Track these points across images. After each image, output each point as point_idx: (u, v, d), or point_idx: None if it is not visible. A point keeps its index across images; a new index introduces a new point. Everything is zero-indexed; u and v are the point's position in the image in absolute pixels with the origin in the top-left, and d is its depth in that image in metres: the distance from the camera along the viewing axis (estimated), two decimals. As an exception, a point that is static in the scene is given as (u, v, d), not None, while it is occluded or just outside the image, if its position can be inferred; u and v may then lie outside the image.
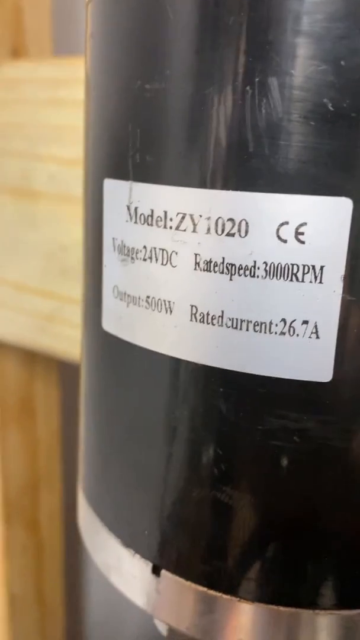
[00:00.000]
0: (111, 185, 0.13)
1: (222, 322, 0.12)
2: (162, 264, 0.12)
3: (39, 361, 0.36)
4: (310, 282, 0.11)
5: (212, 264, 0.11)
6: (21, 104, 0.28)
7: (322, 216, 0.11)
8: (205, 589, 0.13)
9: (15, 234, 0.30)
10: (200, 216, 0.11)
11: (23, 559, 0.38)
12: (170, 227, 0.12)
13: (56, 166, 0.28)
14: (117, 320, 0.13)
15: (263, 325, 0.11)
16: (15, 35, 0.32)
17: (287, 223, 0.11)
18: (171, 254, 0.12)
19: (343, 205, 0.10)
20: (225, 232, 0.11)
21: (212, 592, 0.13)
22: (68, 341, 0.29)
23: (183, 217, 0.12)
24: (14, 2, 0.31)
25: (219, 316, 0.12)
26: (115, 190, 0.13)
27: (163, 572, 0.14)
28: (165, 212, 0.12)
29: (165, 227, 0.12)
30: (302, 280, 0.11)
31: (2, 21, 0.30)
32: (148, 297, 0.12)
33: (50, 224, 0.29)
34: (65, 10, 0.35)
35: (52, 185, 0.28)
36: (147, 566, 0.14)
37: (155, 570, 0.14)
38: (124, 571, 0.15)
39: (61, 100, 0.27)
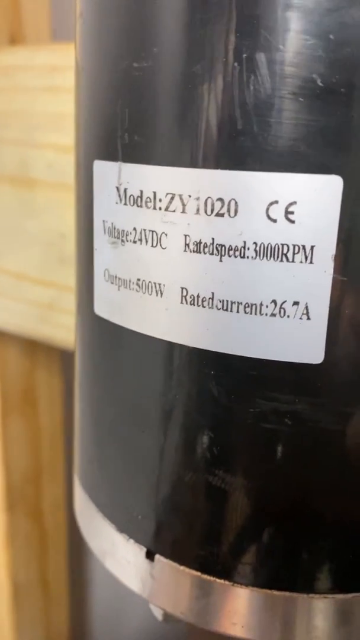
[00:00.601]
0: (101, 167, 0.13)
1: (212, 304, 0.11)
2: (152, 245, 0.12)
3: (40, 350, 0.36)
4: (301, 262, 0.11)
5: (201, 245, 0.11)
6: (18, 91, 0.28)
7: (312, 195, 0.10)
8: (199, 574, 0.13)
9: (14, 222, 0.30)
10: (190, 196, 0.11)
11: (27, 548, 0.39)
12: (160, 208, 0.12)
13: (54, 154, 0.27)
14: (108, 304, 0.13)
15: (253, 307, 0.11)
16: (12, 21, 0.32)
17: (276, 202, 0.11)
18: (161, 236, 0.12)
19: (333, 184, 0.10)
20: (215, 212, 0.11)
21: (206, 577, 0.13)
22: (67, 329, 0.29)
23: (172, 198, 0.11)
24: (11, -12, 0.31)
25: (209, 298, 0.11)
26: (104, 171, 0.13)
27: (157, 556, 0.14)
28: (155, 193, 0.12)
29: (154, 208, 0.12)
30: (293, 261, 0.11)
31: (-1, 8, 0.30)
32: (139, 280, 0.12)
33: (48, 212, 0.28)
34: (63, -3, 0.34)
35: (50, 173, 0.28)
36: (141, 551, 0.14)
37: (149, 555, 0.14)
38: (118, 556, 0.15)
39: (59, 87, 0.27)
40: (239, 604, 0.13)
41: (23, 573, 0.39)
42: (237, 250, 0.11)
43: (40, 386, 0.37)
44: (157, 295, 0.12)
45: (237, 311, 0.11)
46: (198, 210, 0.11)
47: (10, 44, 0.31)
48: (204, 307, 0.12)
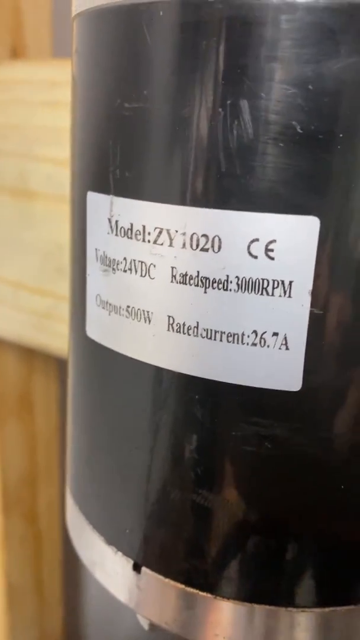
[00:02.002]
0: (94, 198, 0.13)
1: (197, 332, 0.12)
2: (141, 275, 0.13)
3: (37, 356, 0.37)
4: (280, 296, 0.11)
5: (187, 277, 0.12)
6: (18, 105, 0.29)
7: (290, 234, 0.11)
8: (183, 586, 0.14)
9: (13, 233, 0.30)
10: (176, 231, 0.12)
11: (21, 550, 0.39)
12: (149, 241, 0.12)
13: (53, 167, 0.28)
14: (99, 328, 0.14)
15: (236, 336, 0.12)
16: (14, 35, 0.32)
17: (257, 240, 0.11)
18: (149, 266, 0.12)
19: (310, 224, 0.11)
20: (200, 247, 0.12)
21: (189, 589, 0.14)
22: (63, 338, 0.29)
23: (160, 232, 0.12)
24: (13, 2, 0.31)
25: (194, 327, 0.12)
26: (97, 203, 0.13)
27: (143, 569, 0.14)
28: (144, 227, 0.12)
29: (143, 240, 0.12)
30: (272, 294, 0.11)
31: (1, 21, 0.31)
32: (128, 306, 0.13)
33: (46, 223, 0.29)
34: (65, 11, 0.35)
35: (48, 186, 0.28)
36: (128, 563, 0.15)
37: (136, 568, 0.15)
38: (107, 568, 0.15)
39: (58, 102, 0.27)
40: (221, 616, 0.14)
41: (18, 575, 0.39)
42: (221, 283, 0.12)
43: (37, 391, 0.38)
44: (145, 322, 0.13)
45: (221, 340, 0.12)
46: (184, 244, 0.12)
47: (12, 58, 0.32)
48: (189, 334, 0.12)
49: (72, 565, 0.44)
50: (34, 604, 0.41)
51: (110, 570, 0.15)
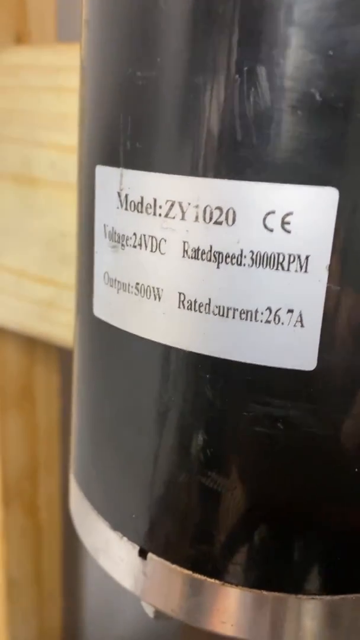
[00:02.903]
0: (103, 172, 0.13)
1: (209, 309, 0.12)
2: (151, 251, 0.12)
3: (39, 347, 0.37)
4: (296, 271, 0.11)
5: (199, 252, 0.12)
6: (22, 91, 0.28)
7: (308, 206, 0.11)
8: (190, 572, 0.14)
9: (16, 220, 0.30)
10: (189, 204, 0.11)
11: (22, 542, 0.39)
12: (160, 215, 0.12)
13: (57, 153, 0.28)
14: (107, 307, 0.14)
15: (249, 314, 0.11)
16: (18, 20, 0.32)
17: (273, 212, 0.11)
18: (160, 241, 0.12)
19: (329, 195, 0.11)
20: (213, 220, 0.11)
21: (197, 576, 0.13)
22: (66, 327, 0.29)
23: (172, 205, 0.12)
24: (17, -13, 0.31)
25: (206, 304, 0.12)
26: (106, 177, 0.13)
27: (149, 555, 0.14)
28: (155, 200, 0.12)
29: (154, 214, 0.12)
30: (288, 270, 0.11)
31: (5, 6, 0.30)
32: (137, 283, 0.13)
33: (50, 210, 0.29)
34: (69, -4, 0.34)
35: (52, 172, 0.28)
36: (134, 549, 0.14)
37: (142, 554, 0.14)
38: (112, 554, 0.15)
39: (62, 87, 0.27)
40: (229, 603, 0.13)
41: (17, 568, 0.39)
42: (234, 258, 0.11)
43: (38, 383, 0.38)
44: (155, 299, 0.12)
45: (233, 317, 0.12)
46: (197, 217, 0.11)
47: (16, 43, 0.31)
48: (200, 312, 0.12)
49: (72, 558, 0.44)
50: (33, 597, 0.41)
51: (115, 556, 0.15)
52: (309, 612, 0.13)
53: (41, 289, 0.30)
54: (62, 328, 0.29)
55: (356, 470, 0.12)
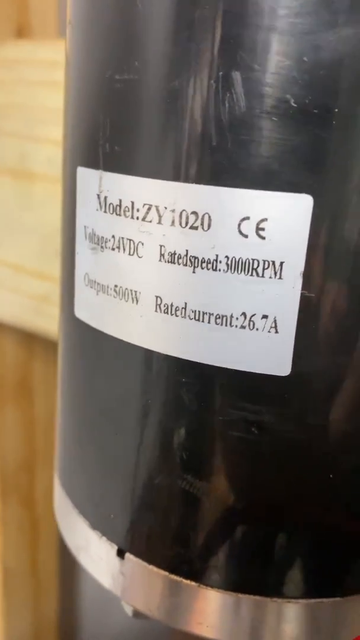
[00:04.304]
0: (83, 174, 0.13)
1: (185, 313, 0.12)
2: (129, 254, 0.12)
3: (37, 341, 0.37)
4: (270, 277, 0.11)
5: (176, 256, 0.12)
6: (21, 85, 0.28)
7: (282, 212, 0.11)
8: (167, 574, 0.14)
9: (13, 214, 0.30)
10: (165, 208, 0.11)
11: (18, 535, 0.39)
12: (137, 218, 0.12)
13: (54, 148, 0.28)
14: (87, 308, 0.14)
15: (224, 319, 0.11)
16: (20, 14, 0.32)
17: (248, 218, 0.11)
18: (138, 245, 0.12)
19: (303, 202, 0.10)
20: (189, 225, 0.11)
21: (173, 577, 0.14)
22: (61, 323, 0.29)
23: (149, 209, 0.12)
24: (19, -20, 0.31)
25: (182, 308, 0.12)
26: (87, 178, 0.13)
27: (127, 555, 0.14)
28: (133, 203, 0.12)
29: (132, 217, 0.12)
30: (262, 276, 0.11)
31: None
32: (116, 286, 0.13)
33: (46, 205, 0.29)
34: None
35: (49, 167, 0.28)
36: (112, 549, 0.14)
37: (120, 553, 0.14)
38: (91, 552, 0.15)
39: (60, 82, 0.27)
40: (205, 605, 0.14)
41: (14, 560, 0.39)
42: (210, 263, 0.11)
43: (36, 376, 0.38)
44: (133, 302, 0.12)
45: (209, 322, 0.12)
46: (173, 222, 0.11)
47: (17, 37, 0.31)
48: (177, 316, 0.12)
49: (68, 551, 0.44)
50: (29, 589, 0.41)
51: (95, 555, 0.15)
52: (286, 615, 0.13)
53: (37, 283, 0.30)
54: (56, 323, 0.29)
55: (331, 475, 0.12)
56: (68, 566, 0.45)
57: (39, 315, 0.30)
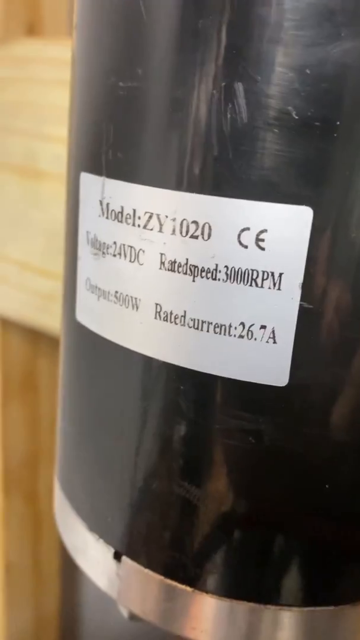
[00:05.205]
0: (87, 179, 0.13)
1: (184, 321, 0.12)
2: (130, 260, 0.12)
3: (43, 338, 0.37)
4: (269, 288, 0.11)
5: (176, 265, 0.12)
6: (31, 83, 0.28)
7: (282, 224, 0.11)
8: (162, 578, 0.14)
9: (20, 212, 0.30)
10: (166, 217, 0.11)
11: (21, 529, 0.39)
12: (139, 225, 0.12)
13: (62, 147, 0.28)
14: (88, 312, 0.14)
15: (223, 328, 0.11)
16: (31, 12, 0.32)
17: (248, 229, 0.11)
18: (138, 252, 0.12)
19: (303, 214, 0.10)
20: (189, 234, 0.11)
21: (168, 581, 0.14)
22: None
23: (150, 217, 0.12)
24: (30, -23, 0.31)
25: (182, 316, 0.12)
26: (90, 184, 0.13)
27: (124, 558, 0.14)
28: (134, 210, 0.12)
29: (133, 224, 0.12)
30: (261, 286, 0.11)
31: (18, -4, 0.30)
32: (117, 292, 0.13)
33: (54, 203, 0.29)
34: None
35: (57, 166, 0.28)
36: (109, 551, 0.14)
37: (117, 556, 0.14)
38: (89, 554, 0.15)
39: (69, 81, 0.27)
40: (199, 610, 0.14)
41: (16, 554, 0.39)
42: (209, 272, 0.11)
43: (41, 373, 0.38)
44: (133, 308, 0.12)
45: (207, 330, 0.12)
46: (174, 230, 0.11)
47: (28, 34, 0.31)
48: (176, 324, 0.12)
49: (70, 547, 0.44)
50: (31, 583, 0.41)
51: (92, 557, 0.15)
52: (279, 623, 0.14)
53: (43, 281, 0.30)
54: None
55: (327, 485, 0.12)
56: (70, 562, 0.45)
57: (44, 312, 0.30)
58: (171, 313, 0.12)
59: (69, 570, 0.45)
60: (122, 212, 0.12)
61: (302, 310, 0.11)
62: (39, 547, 0.41)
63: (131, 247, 0.12)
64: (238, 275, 0.11)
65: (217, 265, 0.11)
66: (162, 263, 0.12)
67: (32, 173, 0.29)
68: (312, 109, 0.10)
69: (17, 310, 0.31)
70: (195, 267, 0.11)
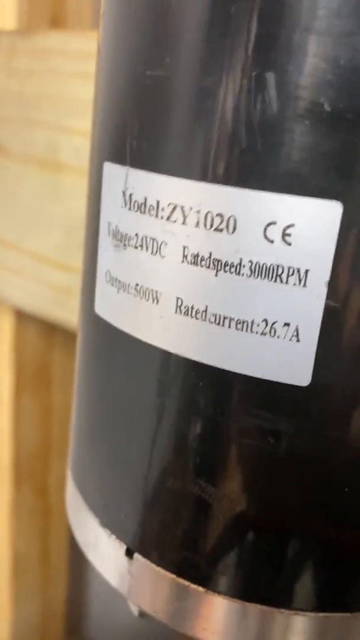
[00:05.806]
0: (110, 169, 0.13)
1: (205, 316, 0.12)
2: (151, 253, 0.12)
3: (58, 331, 0.37)
4: (294, 284, 0.11)
5: (199, 258, 0.11)
6: (52, 75, 0.28)
7: (310, 218, 0.10)
8: (174, 577, 0.13)
9: (39, 205, 0.30)
10: (191, 209, 0.11)
11: (30, 521, 0.39)
12: (162, 217, 0.12)
13: (83, 140, 0.28)
14: (107, 305, 0.13)
15: (245, 324, 0.11)
16: (55, 4, 0.32)
17: (274, 223, 0.10)
18: (161, 244, 0.12)
19: (332, 209, 0.10)
20: (214, 227, 0.11)
21: (180, 581, 0.13)
22: (82, 315, 0.29)
23: (174, 208, 0.11)
24: (55, -31, 0.31)
25: (203, 311, 0.12)
26: (113, 174, 0.13)
27: (136, 555, 0.14)
28: (158, 202, 0.12)
29: (156, 216, 0.12)
30: (286, 282, 0.11)
31: (41, -11, 0.30)
32: (137, 285, 0.12)
33: (73, 197, 0.29)
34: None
35: (77, 159, 0.28)
36: (121, 548, 0.14)
37: (129, 553, 0.14)
38: (100, 550, 0.15)
39: (91, 73, 0.27)
40: (211, 611, 0.13)
41: (25, 546, 0.40)
42: (233, 266, 0.11)
43: (55, 366, 0.38)
44: (153, 302, 0.12)
45: (229, 326, 0.11)
46: (198, 223, 0.11)
47: (52, 27, 0.31)
48: (197, 318, 0.12)
49: (78, 541, 0.44)
50: (39, 575, 0.41)
51: (103, 553, 0.15)
52: (291, 627, 0.13)
53: (61, 275, 0.30)
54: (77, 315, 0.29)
55: (347, 489, 0.12)
56: (78, 555, 0.45)
57: (60, 306, 0.30)
58: (192, 307, 0.12)
59: (77, 564, 0.45)
60: (145, 203, 0.12)
61: (327, 309, 0.11)
62: (48, 540, 0.41)
63: (153, 239, 0.12)
64: (262, 271, 0.11)
65: (241, 259, 0.11)
66: (185, 256, 0.11)
67: (52, 166, 0.29)
68: (345, 100, 0.10)
69: (34, 303, 0.31)
70: (219, 261, 0.11)
